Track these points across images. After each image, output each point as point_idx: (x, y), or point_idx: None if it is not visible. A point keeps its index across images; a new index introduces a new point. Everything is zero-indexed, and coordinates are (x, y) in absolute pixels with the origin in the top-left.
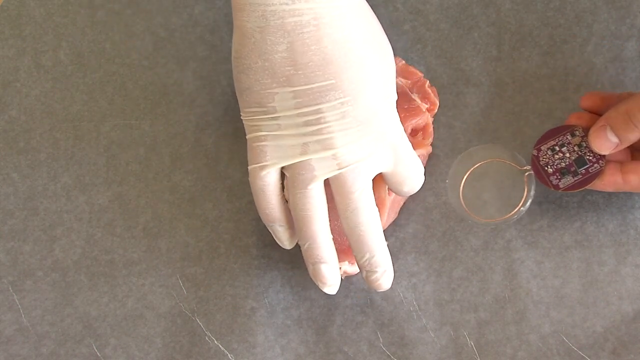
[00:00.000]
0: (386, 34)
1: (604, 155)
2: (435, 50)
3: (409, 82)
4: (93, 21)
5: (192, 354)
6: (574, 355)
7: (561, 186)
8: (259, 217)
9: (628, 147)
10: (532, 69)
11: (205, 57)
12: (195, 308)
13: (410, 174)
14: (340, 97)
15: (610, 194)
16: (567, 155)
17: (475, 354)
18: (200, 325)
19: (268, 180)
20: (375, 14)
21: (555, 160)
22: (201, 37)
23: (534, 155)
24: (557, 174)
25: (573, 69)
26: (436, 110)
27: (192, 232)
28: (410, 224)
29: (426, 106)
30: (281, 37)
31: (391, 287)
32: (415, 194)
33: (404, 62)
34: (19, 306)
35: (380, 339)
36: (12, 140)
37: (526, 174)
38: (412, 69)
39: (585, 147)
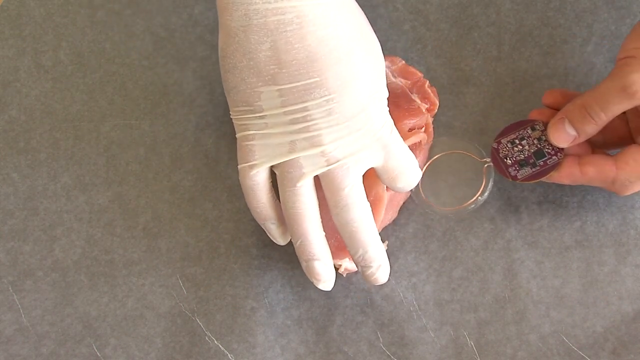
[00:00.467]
0: (386, 34)
1: (562, 149)
2: (435, 50)
3: (409, 82)
4: (93, 21)
5: (192, 354)
6: (574, 355)
7: (519, 177)
8: None
9: (589, 142)
10: (532, 69)
11: (205, 57)
12: (195, 308)
13: (403, 170)
14: (326, 95)
15: (610, 193)
16: (527, 147)
17: (475, 354)
18: (200, 325)
19: (257, 180)
20: (375, 14)
21: (515, 152)
22: (201, 37)
23: (494, 147)
24: (516, 166)
25: (573, 69)
26: (436, 110)
27: (192, 232)
28: (410, 223)
29: (426, 106)
30: (264, 36)
31: (391, 287)
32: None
33: (404, 62)
34: (19, 306)
35: (380, 339)
36: (12, 140)
37: (485, 165)
38: (412, 69)
39: (545, 140)
